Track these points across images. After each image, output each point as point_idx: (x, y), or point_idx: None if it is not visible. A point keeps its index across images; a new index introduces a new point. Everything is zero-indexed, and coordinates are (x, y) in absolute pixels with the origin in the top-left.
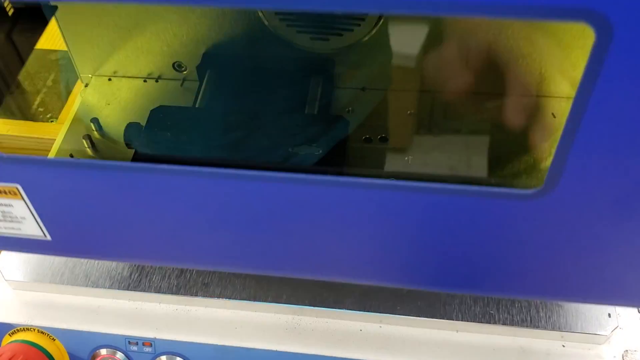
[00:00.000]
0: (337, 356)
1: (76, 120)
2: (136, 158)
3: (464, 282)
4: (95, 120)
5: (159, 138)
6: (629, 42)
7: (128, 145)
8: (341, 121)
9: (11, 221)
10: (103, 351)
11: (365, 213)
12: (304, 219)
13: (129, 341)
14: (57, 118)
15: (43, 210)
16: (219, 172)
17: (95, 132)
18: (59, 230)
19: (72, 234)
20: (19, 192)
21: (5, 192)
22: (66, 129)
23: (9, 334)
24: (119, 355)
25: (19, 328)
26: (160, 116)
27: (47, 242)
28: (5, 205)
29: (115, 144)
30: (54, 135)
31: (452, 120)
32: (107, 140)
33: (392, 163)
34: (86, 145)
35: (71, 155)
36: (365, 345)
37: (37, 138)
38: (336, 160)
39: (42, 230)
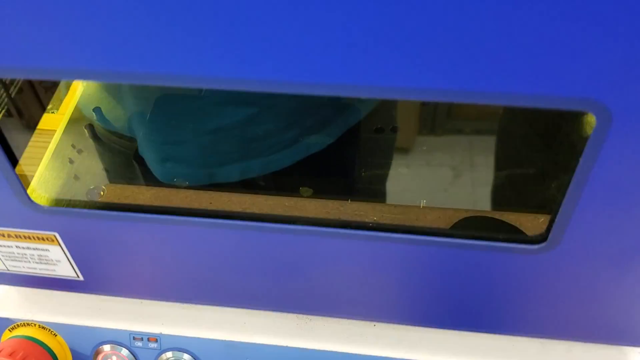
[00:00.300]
0: (349, 352)
1: (77, 110)
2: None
3: (472, 323)
4: (97, 110)
5: (163, 127)
6: (626, 127)
7: (130, 135)
8: (351, 109)
9: (47, 263)
10: (107, 347)
11: (385, 265)
12: (324, 267)
13: (133, 337)
14: (57, 109)
15: (78, 254)
16: (233, 224)
17: (97, 123)
18: (91, 271)
19: (103, 275)
20: (57, 239)
21: (43, 239)
22: (67, 120)
23: (8, 329)
24: (123, 351)
25: (19, 323)
26: (165, 104)
27: (79, 282)
28: (43, 250)
29: (117, 134)
30: (54, 127)
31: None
32: (110, 130)
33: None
34: (88, 135)
35: (72, 146)
36: (378, 342)
37: (38, 129)
38: (347, 150)
39: (75, 271)
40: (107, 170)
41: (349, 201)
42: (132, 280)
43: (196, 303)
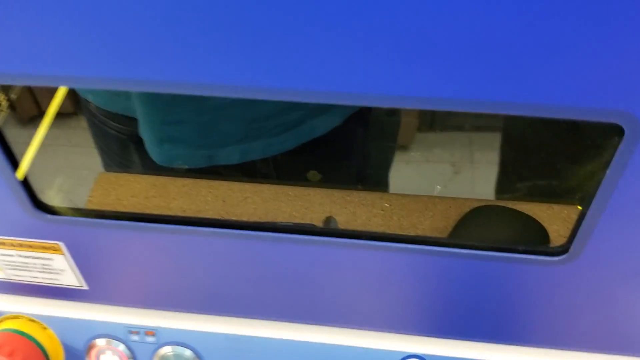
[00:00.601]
0: (355, 345)
1: (65, 103)
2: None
3: (488, 335)
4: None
5: (162, 106)
6: None
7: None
8: None
9: (50, 272)
10: (101, 341)
11: (400, 275)
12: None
13: (129, 330)
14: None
15: (83, 263)
16: (241, 234)
17: (92, 108)
18: (96, 280)
19: (109, 284)
20: (60, 248)
21: (47, 248)
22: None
23: None
24: (119, 346)
25: (6, 316)
26: None
27: (84, 291)
28: (47, 259)
29: (115, 117)
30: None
31: None
32: (107, 113)
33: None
34: (85, 120)
35: (62, 140)
36: (386, 336)
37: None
38: (356, 130)
39: (79, 281)
40: (102, 158)
41: (359, 187)
42: (139, 289)
43: (205, 313)
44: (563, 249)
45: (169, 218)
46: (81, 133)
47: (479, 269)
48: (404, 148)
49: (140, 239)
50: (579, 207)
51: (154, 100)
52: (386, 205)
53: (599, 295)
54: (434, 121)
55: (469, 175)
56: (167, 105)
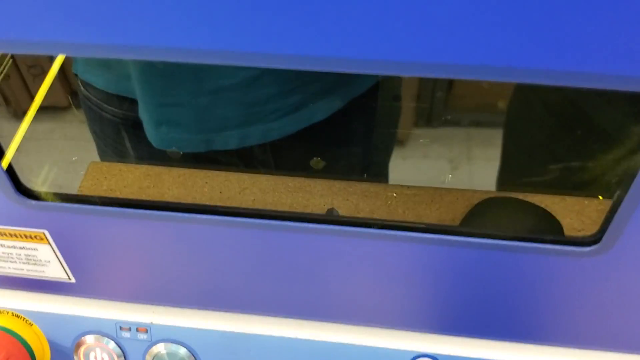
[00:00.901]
0: (353, 343)
1: (51, 92)
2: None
3: (511, 332)
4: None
5: (159, 87)
6: None
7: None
8: (359, 76)
9: (35, 264)
10: (89, 338)
11: (436, 269)
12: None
13: (120, 326)
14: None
15: (69, 254)
16: (228, 220)
17: (85, 92)
18: (84, 273)
19: (97, 276)
20: (46, 237)
21: (31, 237)
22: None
23: None
24: (109, 343)
25: None
26: (161, 63)
27: (71, 284)
28: (31, 249)
29: (110, 99)
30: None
31: None
32: (102, 94)
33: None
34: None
35: (49, 128)
36: (379, 331)
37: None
38: (357, 116)
39: (66, 273)
40: (97, 143)
41: (361, 178)
42: (129, 283)
43: (201, 309)
44: (594, 239)
45: (162, 204)
46: (76, 126)
47: (499, 261)
48: (401, 143)
49: (131, 227)
50: (600, 197)
51: (151, 81)
52: (393, 195)
53: (632, 289)
54: (431, 116)
55: (467, 170)
56: (164, 87)
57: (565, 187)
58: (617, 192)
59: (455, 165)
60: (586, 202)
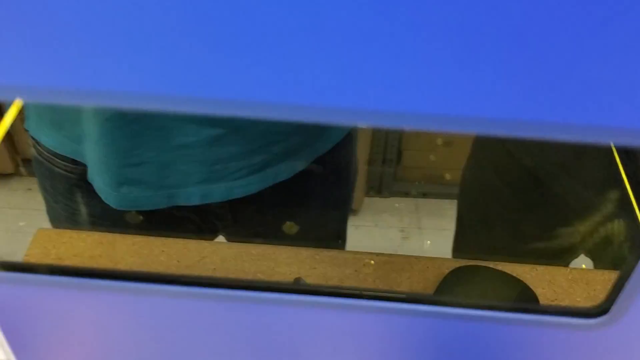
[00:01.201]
0: None
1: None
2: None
3: None
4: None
5: (121, 149)
6: None
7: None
8: (323, 137)
9: None
10: None
11: (430, 341)
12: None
13: None
14: None
15: (10, 332)
16: (187, 291)
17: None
18: (28, 353)
19: (42, 357)
20: None
21: None
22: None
23: None
24: None
25: None
26: (122, 124)
27: None
28: None
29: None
30: None
31: None
32: (53, 152)
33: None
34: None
35: None
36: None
37: None
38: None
39: (7, 355)
40: (46, 202)
41: (340, 244)
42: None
43: None
44: (602, 310)
45: (115, 273)
46: (21, 194)
47: (492, 333)
48: (354, 211)
49: (81, 299)
50: (568, 267)
51: (116, 142)
52: (371, 262)
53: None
54: (382, 186)
55: (418, 240)
56: (129, 147)
57: (536, 256)
58: (627, 259)
59: (406, 235)
60: (558, 272)
